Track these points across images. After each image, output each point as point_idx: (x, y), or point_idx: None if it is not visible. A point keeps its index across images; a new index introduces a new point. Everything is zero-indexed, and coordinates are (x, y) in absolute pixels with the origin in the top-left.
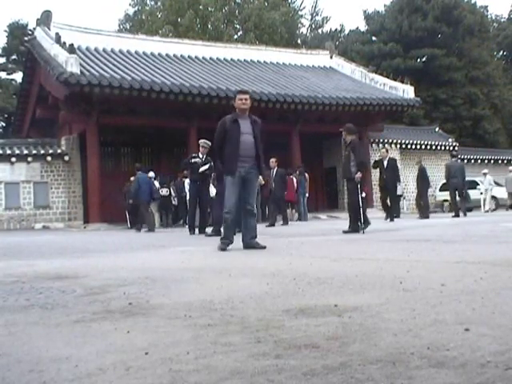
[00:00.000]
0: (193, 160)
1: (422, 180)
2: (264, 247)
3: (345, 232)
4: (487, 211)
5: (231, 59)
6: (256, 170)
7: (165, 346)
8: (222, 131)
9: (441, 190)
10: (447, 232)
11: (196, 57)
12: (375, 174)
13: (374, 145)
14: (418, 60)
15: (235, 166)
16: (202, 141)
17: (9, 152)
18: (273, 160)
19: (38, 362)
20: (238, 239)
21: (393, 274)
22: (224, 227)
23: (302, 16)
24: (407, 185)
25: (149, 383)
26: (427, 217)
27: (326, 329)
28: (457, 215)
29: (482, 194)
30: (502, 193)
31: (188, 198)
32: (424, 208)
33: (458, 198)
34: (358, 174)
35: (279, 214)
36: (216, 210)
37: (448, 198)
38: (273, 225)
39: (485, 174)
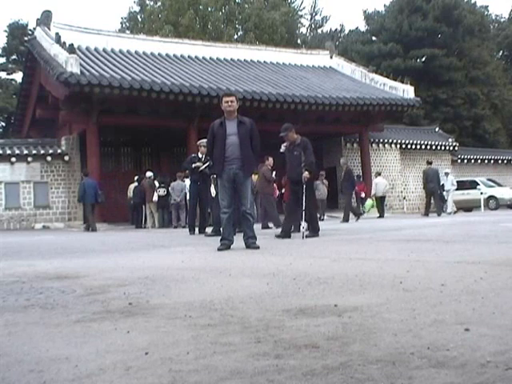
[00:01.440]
0: (193, 165)
1: (348, 182)
2: (258, 247)
3: (277, 236)
4: (450, 213)
5: (231, 59)
6: (243, 170)
7: (165, 346)
8: (211, 135)
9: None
10: (447, 232)
11: (196, 57)
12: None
13: (373, 145)
14: (418, 60)
15: (221, 168)
16: (201, 141)
17: (9, 152)
18: None
19: (38, 362)
20: (238, 239)
21: (393, 273)
22: (222, 227)
23: (301, 16)
24: (407, 185)
25: (149, 383)
26: (347, 220)
27: (326, 329)
28: (426, 215)
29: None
30: (502, 193)
31: (188, 198)
32: (346, 210)
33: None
34: (306, 174)
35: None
36: (215, 210)
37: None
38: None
39: (446, 174)
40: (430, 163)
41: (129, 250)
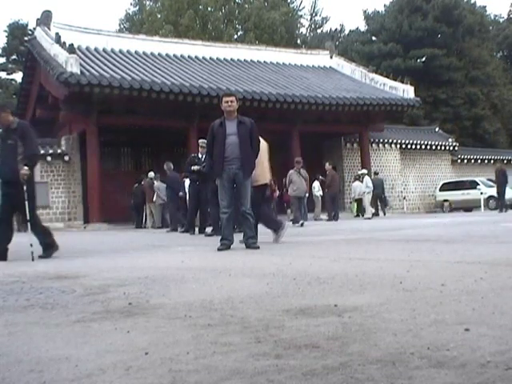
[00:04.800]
0: (192, 168)
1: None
2: (258, 247)
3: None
4: (369, 218)
5: (231, 59)
6: (242, 170)
7: (165, 346)
8: (211, 135)
9: (441, 190)
10: (447, 232)
11: (196, 57)
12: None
13: (373, 145)
14: (418, 60)
15: (221, 168)
16: (201, 140)
17: None
18: None
19: (38, 362)
20: (238, 239)
21: (393, 273)
22: (222, 227)
23: (301, 16)
24: (407, 185)
25: (149, 383)
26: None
27: (326, 329)
28: (377, 215)
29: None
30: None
31: (188, 198)
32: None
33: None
34: (25, 171)
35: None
36: (213, 211)
37: (448, 198)
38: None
39: (363, 175)
40: (376, 174)
41: (129, 249)
